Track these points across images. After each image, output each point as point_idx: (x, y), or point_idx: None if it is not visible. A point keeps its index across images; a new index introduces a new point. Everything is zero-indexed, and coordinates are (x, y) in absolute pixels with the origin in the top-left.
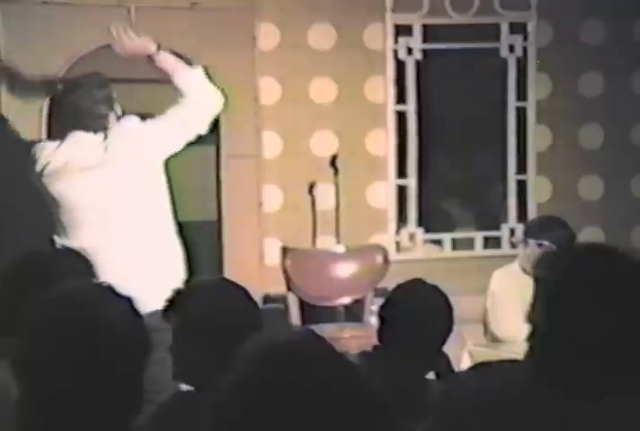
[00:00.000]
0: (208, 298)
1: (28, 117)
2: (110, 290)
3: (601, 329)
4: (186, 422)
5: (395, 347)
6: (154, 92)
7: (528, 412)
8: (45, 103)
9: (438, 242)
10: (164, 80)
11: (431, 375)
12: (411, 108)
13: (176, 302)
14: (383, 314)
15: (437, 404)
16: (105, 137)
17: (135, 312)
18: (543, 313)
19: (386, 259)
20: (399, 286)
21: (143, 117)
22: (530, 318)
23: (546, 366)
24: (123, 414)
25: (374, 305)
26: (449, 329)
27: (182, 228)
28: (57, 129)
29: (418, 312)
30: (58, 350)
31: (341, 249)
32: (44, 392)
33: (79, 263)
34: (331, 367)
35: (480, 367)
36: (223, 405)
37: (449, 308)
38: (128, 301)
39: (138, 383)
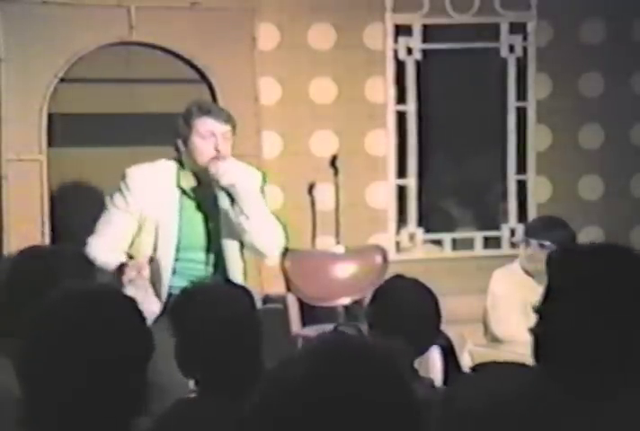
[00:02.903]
0: (207, 300)
1: (28, 117)
2: (113, 291)
3: (614, 329)
4: (189, 428)
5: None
6: (154, 92)
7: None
8: (45, 104)
9: (438, 242)
10: (164, 80)
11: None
12: (411, 108)
13: (178, 303)
14: (368, 320)
15: (440, 409)
16: None
17: (137, 312)
18: (556, 314)
19: (385, 260)
20: (379, 288)
21: (143, 117)
22: (539, 318)
23: (557, 369)
24: (124, 415)
25: None
26: (438, 320)
27: None
28: None
29: (397, 313)
30: (60, 351)
31: (340, 249)
32: (45, 393)
33: (80, 262)
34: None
35: (482, 369)
36: (265, 405)
37: (432, 299)
38: (131, 302)
39: (140, 384)
